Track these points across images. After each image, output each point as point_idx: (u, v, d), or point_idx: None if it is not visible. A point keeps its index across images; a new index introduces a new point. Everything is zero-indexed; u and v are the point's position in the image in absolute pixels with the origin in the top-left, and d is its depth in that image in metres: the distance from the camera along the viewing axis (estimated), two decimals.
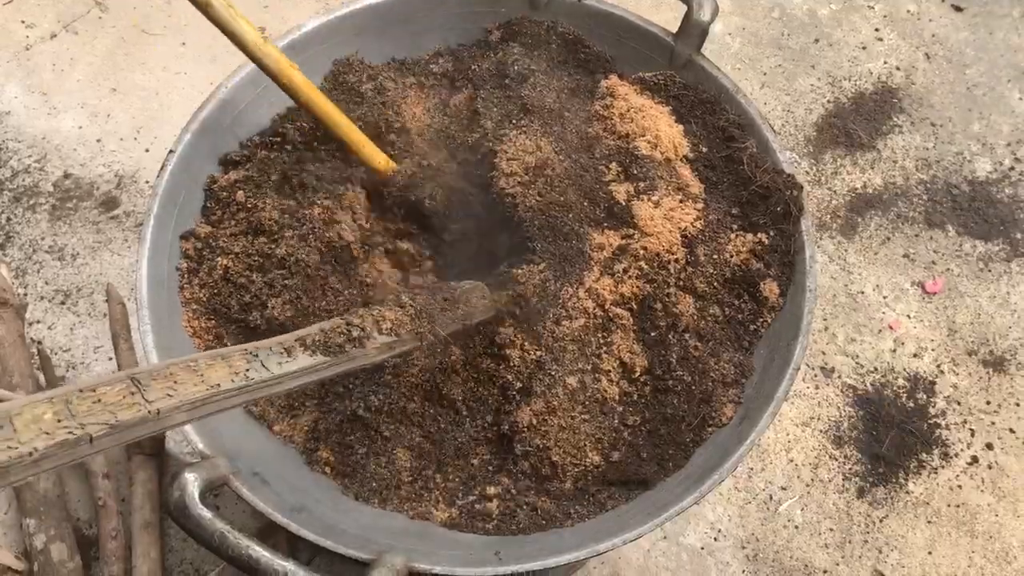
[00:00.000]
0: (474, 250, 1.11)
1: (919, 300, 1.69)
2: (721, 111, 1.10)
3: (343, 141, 1.03)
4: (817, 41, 2.05)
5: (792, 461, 1.51)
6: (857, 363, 1.61)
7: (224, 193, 1.06)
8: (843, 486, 1.49)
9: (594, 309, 0.97)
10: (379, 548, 0.83)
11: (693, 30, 1.09)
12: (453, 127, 1.14)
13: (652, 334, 0.98)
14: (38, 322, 1.61)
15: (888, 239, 1.76)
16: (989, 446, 1.53)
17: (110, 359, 1.55)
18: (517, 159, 1.05)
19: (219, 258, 1.02)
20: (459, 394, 0.96)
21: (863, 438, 1.53)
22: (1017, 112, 1.93)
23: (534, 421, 0.94)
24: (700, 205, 1.03)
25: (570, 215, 1.01)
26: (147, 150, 1.83)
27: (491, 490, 0.95)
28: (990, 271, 1.72)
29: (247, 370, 0.68)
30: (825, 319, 1.66)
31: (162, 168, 1.01)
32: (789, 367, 0.93)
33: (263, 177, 1.06)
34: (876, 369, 1.60)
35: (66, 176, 1.79)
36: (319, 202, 1.04)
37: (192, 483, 0.77)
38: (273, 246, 1.01)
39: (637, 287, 0.98)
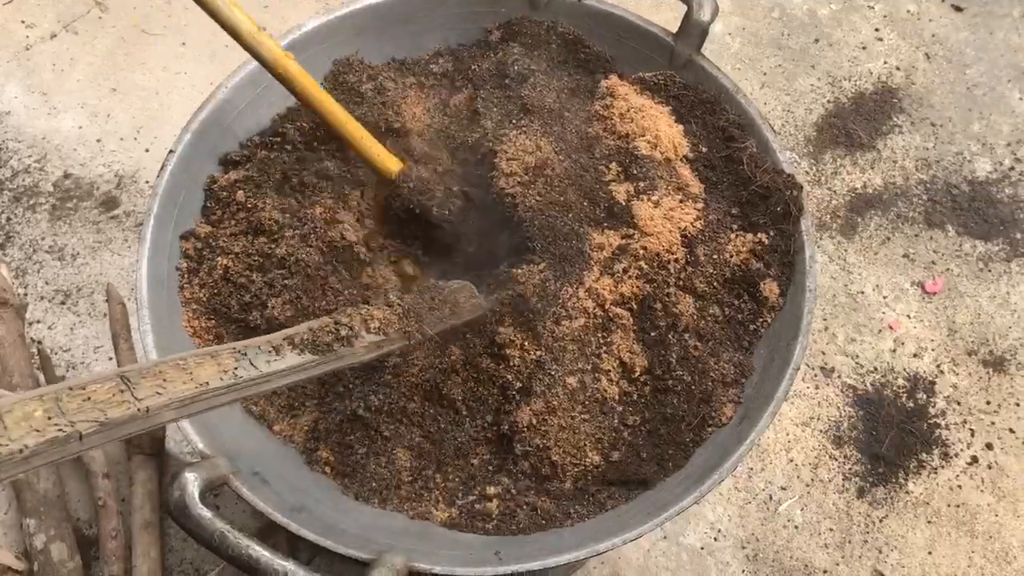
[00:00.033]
0: (474, 253, 1.11)
1: (919, 300, 1.69)
2: (721, 111, 1.10)
3: (341, 135, 1.02)
4: (817, 41, 2.05)
5: (792, 461, 1.51)
6: (857, 363, 1.61)
7: (224, 193, 1.06)
8: (843, 486, 1.49)
9: (594, 309, 0.97)
10: (379, 548, 0.83)
11: (693, 30, 1.09)
12: (453, 127, 1.14)
13: (652, 334, 0.98)
14: (38, 322, 1.61)
15: (888, 239, 1.76)
16: (989, 446, 1.53)
17: (110, 359, 1.55)
18: (517, 159, 1.05)
19: (219, 258, 1.02)
20: (459, 394, 0.96)
21: (863, 438, 1.54)
22: (1017, 112, 1.94)
23: (534, 421, 0.95)
24: (700, 205, 1.03)
25: (570, 215, 1.01)
26: (147, 150, 1.83)
27: (491, 490, 0.95)
28: (990, 271, 1.72)
29: (236, 368, 0.68)
30: (825, 319, 1.66)
31: (162, 168, 1.01)
32: (789, 367, 0.93)
33: (263, 177, 1.06)
34: (876, 369, 1.61)
35: (66, 176, 1.79)
36: (321, 201, 1.04)
37: (192, 483, 0.77)
38: (273, 246, 1.01)
39: (637, 287, 0.98)
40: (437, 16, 1.19)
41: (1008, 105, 1.95)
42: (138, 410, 0.60)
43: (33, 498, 1.33)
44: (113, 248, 1.70)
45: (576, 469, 0.96)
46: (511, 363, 0.95)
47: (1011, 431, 1.55)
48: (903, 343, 1.64)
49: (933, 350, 1.63)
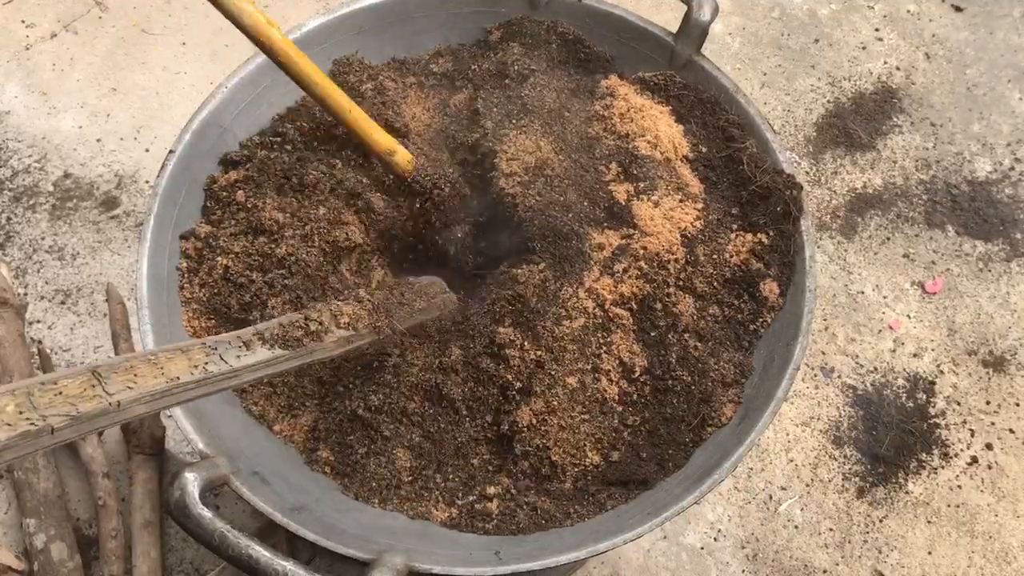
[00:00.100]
0: (465, 259, 1.11)
1: (919, 300, 1.69)
2: (721, 111, 1.10)
3: (328, 107, 0.99)
4: (817, 41, 2.05)
5: (792, 461, 1.51)
6: (857, 363, 1.61)
7: (224, 193, 1.06)
8: (843, 486, 1.49)
9: (594, 309, 0.97)
10: (379, 548, 0.83)
11: (693, 30, 1.09)
12: (453, 127, 1.14)
13: (652, 334, 0.98)
14: (38, 322, 1.61)
15: (888, 239, 1.76)
16: (989, 446, 1.54)
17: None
18: (517, 159, 1.05)
19: (219, 258, 1.02)
20: (459, 394, 0.96)
21: (863, 438, 1.54)
22: (1017, 112, 1.94)
23: (534, 421, 0.95)
24: (700, 205, 1.03)
25: (570, 215, 1.01)
26: (147, 150, 1.83)
27: (491, 490, 0.95)
28: (990, 271, 1.72)
29: (206, 363, 0.69)
30: (825, 319, 1.66)
31: (162, 168, 1.01)
32: (789, 367, 0.93)
33: (263, 177, 1.06)
34: (876, 369, 1.61)
35: (66, 176, 1.79)
36: (325, 202, 1.04)
37: (192, 483, 0.77)
38: (273, 246, 1.01)
39: (637, 287, 0.98)
40: (437, 16, 1.19)
41: (1008, 105, 1.95)
42: (109, 404, 0.61)
43: (33, 498, 1.33)
44: (113, 248, 1.70)
45: (576, 469, 0.96)
46: (511, 363, 0.95)
47: (1011, 431, 1.55)
48: (903, 343, 1.64)
49: (933, 350, 1.63)
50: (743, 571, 1.42)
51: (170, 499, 0.76)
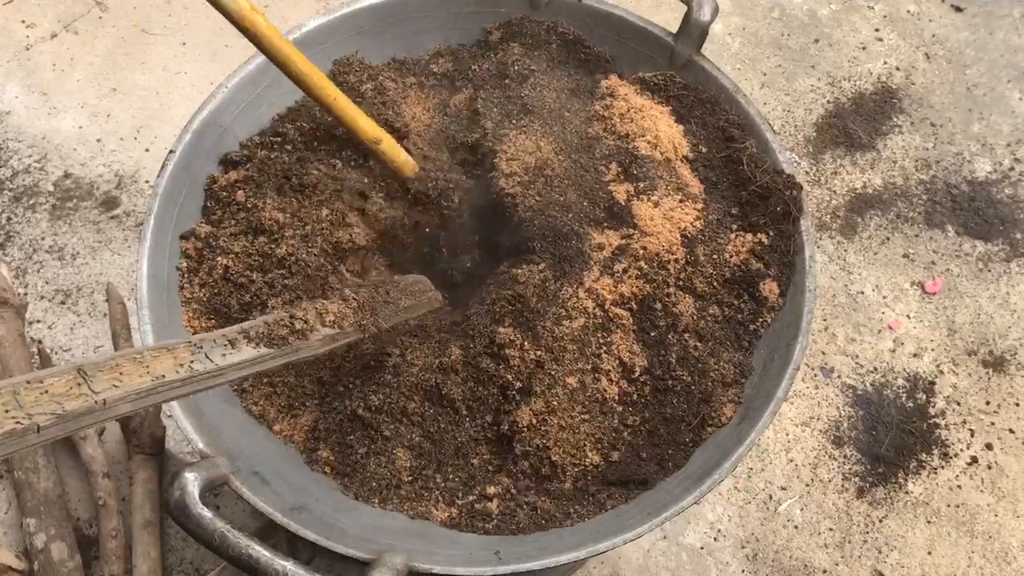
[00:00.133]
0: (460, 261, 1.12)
1: (919, 300, 1.69)
2: (721, 111, 1.10)
3: (320, 100, 0.98)
4: (817, 41, 2.05)
5: (792, 461, 1.51)
6: (857, 363, 1.61)
7: (224, 193, 1.06)
8: (843, 486, 1.49)
9: (594, 309, 0.97)
10: (379, 548, 0.83)
11: (693, 30, 1.09)
12: (453, 127, 1.14)
13: (652, 334, 0.98)
14: (38, 321, 1.61)
15: (888, 239, 1.76)
16: (989, 446, 1.54)
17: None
18: (517, 159, 1.05)
19: (219, 258, 1.02)
20: (459, 394, 0.96)
21: (863, 438, 1.54)
22: (1017, 112, 1.94)
23: (534, 421, 0.95)
24: (700, 205, 1.03)
25: (570, 215, 1.01)
26: (147, 150, 1.83)
27: (491, 490, 0.95)
28: (990, 271, 1.72)
29: (192, 361, 0.69)
30: (825, 319, 1.66)
31: (162, 168, 1.01)
32: (789, 367, 0.93)
33: (263, 177, 1.06)
34: (876, 369, 1.61)
35: (66, 176, 1.79)
36: (329, 203, 1.04)
37: (192, 483, 0.77)
38: (273, 246, 1.01)
39: (637, 287, 0.98)
40: (437, 16, 1.19)
41: (1008, 105, 1.95)
42: (95, 402, 0.61)
43: (33, 498, 1.33)
44: (113, 248, 1.70)
45: (576, 469, 0.96)
46: (511, 363, 0.95)
47: (1011, 431, 1.55)
48: (903, 343, 1.64)
49: (933, 350, 1.63)
50: (743, 571, 1.42)
51: (170, 499, 0.76)
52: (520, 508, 0.94)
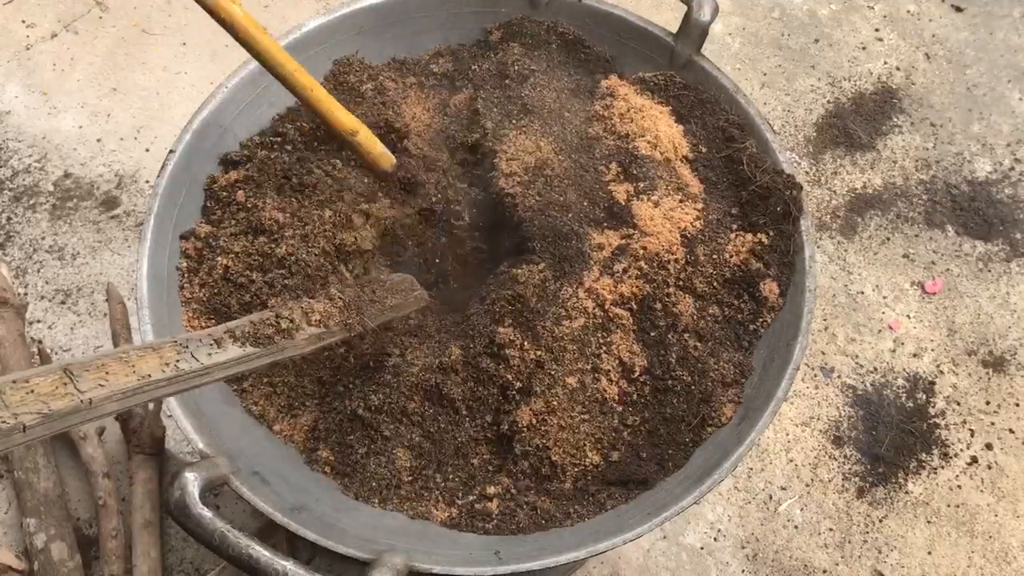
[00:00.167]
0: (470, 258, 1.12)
1: (919, 300, 1.69)
2: (721, 111, 1.10)
3: (295, 91, 0.96)
4: (817, 41, 2.05)
5: (792, 461, 1.51)
6: (857, 363, 1.61)
7: (224, 193, 1.06)
8: (843, 486, 1.49)
9: (594, 309, 0.97)
10: (379, 548, 0.83)
11: (693, 30, 1.09)
12: (453, 127, 1.14)
13: (652, 334, 0.98)
14: (38, 321, 1.61)
15: (888, 239, 1.76)
16: (989, 446, 1.54)
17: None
18: (517, 159, 1.05)
19: (219, 258, 1.02)
20: (459, 394, 0.96)
21: (863, 438, 1.54)
22: (1017, 112, 1.94)
23: (534, 421, 0.95)
24: (700, 205, 1.03)
25: (570, 215, 1.01)
26: (147, 150, 1.83)
27: (491, 490, 0.95)
28: (990, 271, 1.72)
29: (178, 361, 0.70)
30: (825, 319, 1.66)
31: (162, 168, 1.01)
32: (789, 367, 0.93)
33: (263, 177, 1.06)
34: (876, 369, 1.61)
35: (66, 176, 1.79)
36: (331, 204, 1.04)
37: (192, 482, 0.77)
38: (273, 246, 1.01)
39: (637, 287, 0.98)
40: (437, 16, 1.19)
41: (1008, 105, 1.95)
42: (81, 402, 0.61)
43: (33, 498, 1.33)
44: (113, 248, 1.70)
45: (576, 469, 0.96)
46: (511, 363, 0.95)
47: (1011, 431, 1.55)
48: (903, 343, 1.64)
49: (933, 350, 1.63)
50: (743, 571, 1.42)
51: (170, 499, 0.76)
52: (520, 508, 0.94)
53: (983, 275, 1.72)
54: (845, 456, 1.52)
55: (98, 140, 1.84)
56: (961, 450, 1.53)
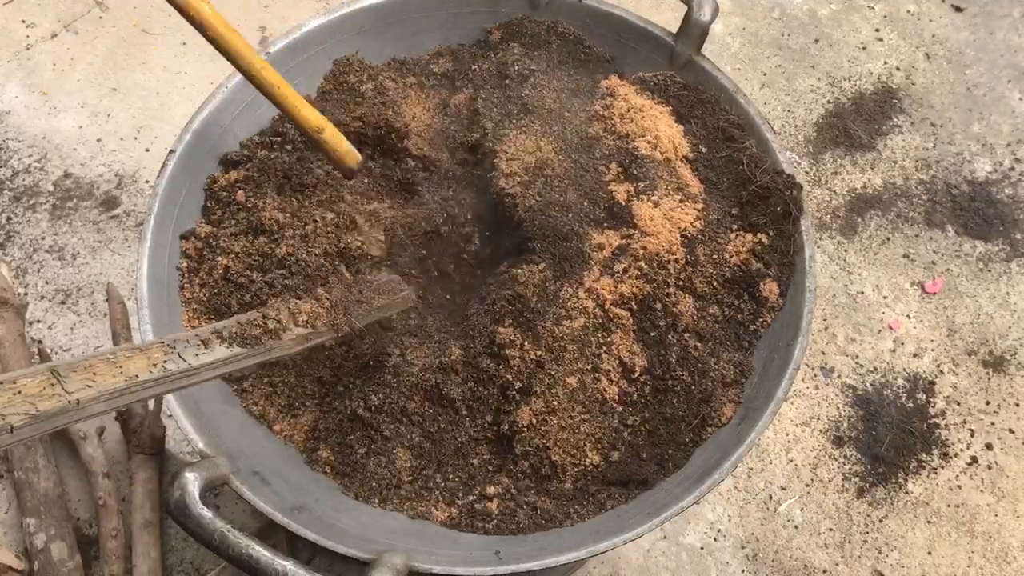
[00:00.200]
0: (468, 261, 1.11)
1: (919, 300, 1.69)
2: (721, 111, 1.10)
3: (262, 88, 0.96)
4: (817, 41, 2.05)
5: (792, 461, 1.51)
6: (857, 363, 1.61)
7: (224, 193, 1.06)
8: (843, 486, 1.49)
9: (594, 309, 0.97)
10: (379, 548, 0.83)
11: (693, 30, 1.09)
12: (453, 127, 1.14)
13: (652, 334, 0.98)
14: (38, 321, 1.61)
15: (888, 239, 1.76)
16: (989, 446, 1.54)
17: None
18: (517, 159, 1.05)
19: (219, 258, 1.02)
20: (459, 394, 0.96)
21: (863, 438, 1.54)
22: (1017, 112, 1.94)
23: (534, 421, 0.95)
24: (700, 205, 1.03)
25: (570, 215, 1.01)
26: (147, 150, 1.83)
27: (491, 490, 0.95)
28: (990, 271, 1.72)
29: (165, 361, 0.70)
30: (825, 319, 1.66)
31: (162, 168, 1.01)
32: (789, 367, 0.93)
33: (263, 177, 1.06)
34: (876, 369, 1.61)
35: (66, 176, 1.79)
36: (333, 206, 1.04)
37: (192, 482, 0.77)
38: (273, 246, 1.01)
39: (637, 287, 0.98)
40: (437, 16, 1.19)
41: (1008, 105, 1.95)
42: (68, 402, 0.61)
43: (33, 498, 1.33)
44: (113, 248, 1.70)
45: (576, 469, 0.96)
46: (511, 363, 0.95)
47: (1011, 431, 1.55)
48: (903, 343, 1.64)
49: (933, 350, 1.63)
50: (743, 571, 1.42)
51: (170, 499, 0.76)
52: (520, 508, 0.94)
53: (983, 275, 1.72)
54: (845, 456, 1.52)
55: (98, 140, 1.84)
56: (961, 450, 1.53)
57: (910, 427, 1.54)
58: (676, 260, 0.99)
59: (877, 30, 2.07)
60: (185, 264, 1.03)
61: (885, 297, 1.69)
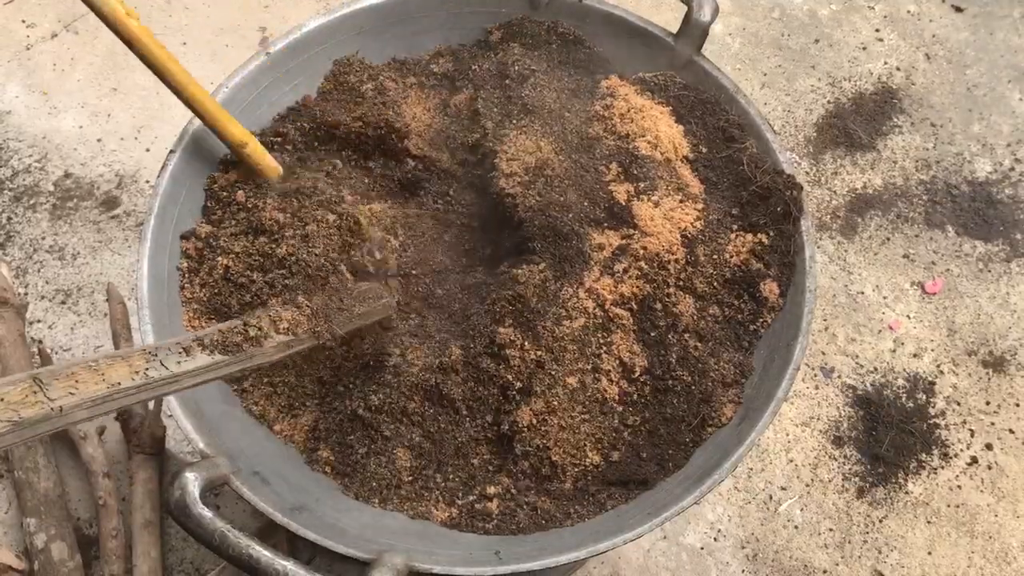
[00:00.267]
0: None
1: (919, 300, 1.69)
2: (721, 111, 1.10)
3: (188, 103, 0.97)
4: (817, 41, 2.05)
5: (792, 461, 1.51)
6: (857, 363, 1.61)
7: (224, 193, 1.06)
8: (843, 486, 1.49)
9: (594, 309, 0.97)
10: (379, 548, 0.83)
11: (693, 30, 1.09)
12: (454, 127, 1.14)
13: (652, 334, 0.98)
14: (39, 321, 1.62)
15: (888, 239, 1.76)
16: (989, 446, 1.54)
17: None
18: (517, 159, 1.05)
19: (219, 257, 1.02)
20: (459, 394, 0.96)
21: (863, 438, 1.54)
22: (1017, 113, 1.94)
23: (534, 421, 0.95)
24: (700, 205, 1.03)
25: (570, 215, 1.01)
26: (148, 150, 1.83)
27: (491, 490, 0.95)
28: (990, 271, 1.72)
29: (147, 369, 0.71)
30: (825, 319, 1.66)
31: (162, 168, 1.01)
32: (789, 367, 0.93)
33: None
34: (876, 369, 1.61)
35: (67, 176, 1.79)
36: (334, 207, 1.04)
37: (192, 482, 0.77)
38: (274, 246, 1.01)
39: (637, 287, 0.98)
40: (437, 16, 1.19)
41: (1008, 105, 1.95)
42: (51, 409, 0.62)
43: (34, 497, 1.33)
44: (114, 248, 1.70)
45: (576, 469, 0.96)
46: (511, 363, 0.95)
47: (1011, 431, 1.55)
48: (903, 343, 1.64)
49: (933, 350, 1.63)
50: (743, 571, 1.42)
51: (170, 499, 0.76)
52: (520, 508, 0.94)
53: (983, 275, 1.72)
54: (845, 456, 1.52)
55: (98, 140, 1.84)
56: (961, 450, 1.53)
57: (910, 427, 1.54)
58: (676, 260, 0.99)
59: (877, 30, 2.07)
60: (185, 264, 1.03)
61: (885, 297, 1.69)
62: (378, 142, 1.12)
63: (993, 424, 1.56)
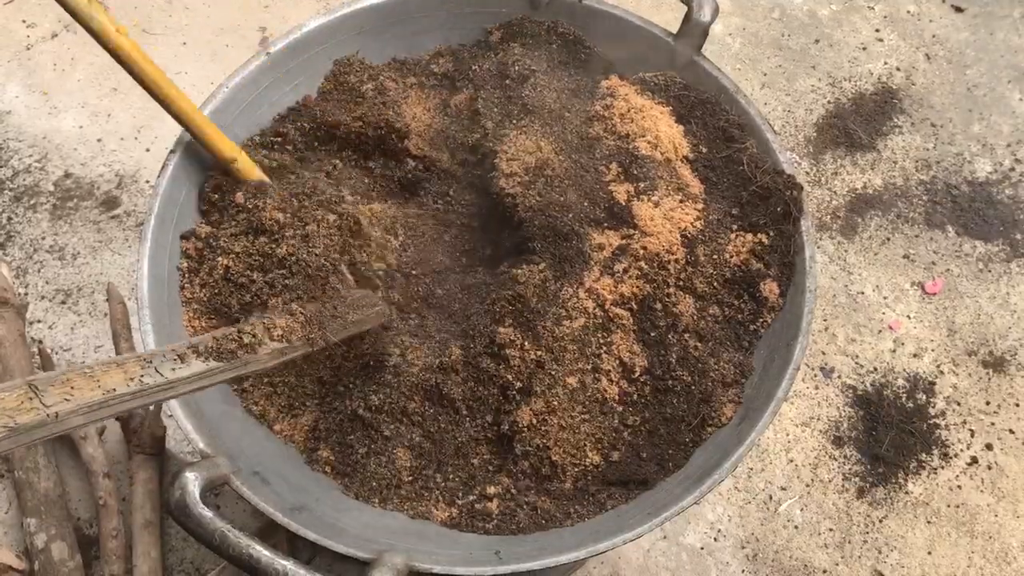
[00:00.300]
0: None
1: (919, 300, 1.69)
2: (721, 111, 1.10)
3: (177, 117, 0.98)
4: (817, 42, 2.05)
5: (792, 461, 1.51)
6: (857, 363, 1.61)
7: (222, 194, 1.06)
8: (843, 486, 1.49)
9: (594, 309, 0.97)
10: (379, 547, 0.83)
11: (693, 30, 1.09)
12: (454, 127, 1.14)
13: (652, 334, 0.98)
14: (39, 321, 1.62)
15: (888, 240, 1.76)
16: (989, 446, 1.54)
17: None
18: (517, 159, 1.05)
19: (220, 258, 1.02)
20: (459, 394, 0.96)
21: (863, 438, 1.54)
22: (1017, 113, 1.94)
23: (534, 421, 0.95)
24: (700, 205, 1.03)
25: (570, 215, 1.01)
26: (148, 150, 1.83)
27: (491, 490, 0.95)
28: (990, 272, 1.72)
29: (142, 376, 0.71)
30: (825, 319, 1.66)
31: (163, 168, 1.02)
32: (789, 367, 0.93)
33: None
34: (876, 369, 1.61)
35: (67, 176, 1.79)
36: (335, 208, 1.04)
37: (193, 482, 0.77)
38: (274, 246, 1.01)
39: (637, 287, 0.98)
40: (437, 16, 1.19)
41: (1008, 106, 1.95)
42: (47, 416, 0.62)
43: (34, 497, 1.33)
44: (114, 248, 1.70)
45: (576, 469, 0.96)
46: (511, 363, 0.95)
47: (1011, 431, 1.55)
48: (903, 343, 1.64)
49: (933, 350, 1.63)
50: (743, 571, 1.42)
51: (171, 499, 0.76)
52: (520, 508, 0.94)
53: (983, 275, 1.72)
54: (845, 456, 1.52)
55: (98, 140, 1.84)
56: (961, 450, 1.53)
57: (910, 427, 1.54)
58: (676, 260, 0.99)
59: (877, 30, 2.07)
60: (186, 264, 1.03)
61: (885, 297, 1.69)
62: (378, 142, 1.12)
63: (993, 424, 1.56)
